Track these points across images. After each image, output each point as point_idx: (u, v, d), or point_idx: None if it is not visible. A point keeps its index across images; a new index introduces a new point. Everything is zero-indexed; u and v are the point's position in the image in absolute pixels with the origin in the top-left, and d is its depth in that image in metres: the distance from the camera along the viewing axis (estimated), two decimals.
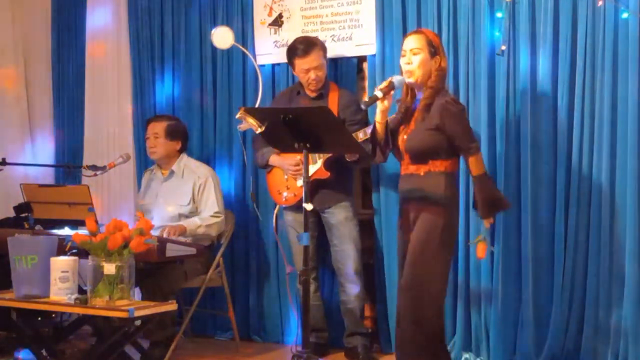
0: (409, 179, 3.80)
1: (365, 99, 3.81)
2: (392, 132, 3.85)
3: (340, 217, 4.58)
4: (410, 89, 3.86)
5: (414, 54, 3.77)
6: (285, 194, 4.63)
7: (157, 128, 4.91)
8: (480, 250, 3.82)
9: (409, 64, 3.78)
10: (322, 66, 4.53)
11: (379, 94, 3.71)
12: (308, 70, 4.51)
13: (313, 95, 4.62)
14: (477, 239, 3.85)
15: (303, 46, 4.52)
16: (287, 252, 4.78)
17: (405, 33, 4.58)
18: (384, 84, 3.76)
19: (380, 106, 3.76)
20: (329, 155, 4.42)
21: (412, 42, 3.80)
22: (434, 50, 3.78)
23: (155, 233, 4.54)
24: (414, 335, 3.68)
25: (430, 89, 3.75)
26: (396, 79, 3.76)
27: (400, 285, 3.78)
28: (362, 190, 5.27)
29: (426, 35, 3.82)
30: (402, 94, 3.90)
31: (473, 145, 3.74)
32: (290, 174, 4.55)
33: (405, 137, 3.81)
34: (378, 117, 3.80)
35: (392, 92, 3.75)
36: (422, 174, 3.75)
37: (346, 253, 4.58)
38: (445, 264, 3.78)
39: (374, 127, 3.85)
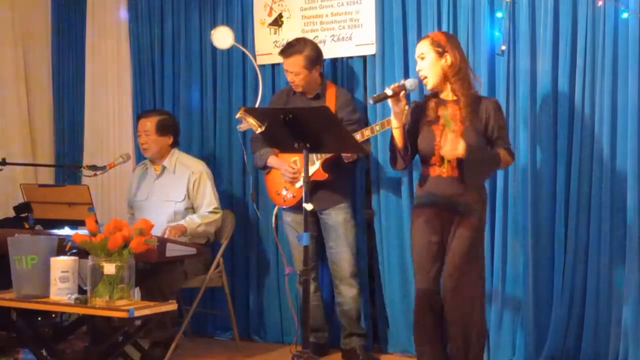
0: (447, 183, 3.72)
1: (375, 95, 3.77)
2: (410, 133, 3.80)
3: (338, 219, 4.57)
4: (435, 95, 3.82)
5: (422, 59, 3.78)
6: (284, 194, 4.62)
7: (147, 125, 4.85)
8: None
9: (420, 70, 3.78)
10: (300, 73, 4.50)
11: (388, 92, 3.65)
12: (287, 72, 4.55)
13: (310, 95, 4.62)
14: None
15: (287, 47, 4.56)
16: (287, 252, 4.78)
17: (405, 33, 4.62)
18: (396, 84, 3.71)
19: (394, 108, 3.68)
20: (327, 156, 4.42)
21: (419, 49, 3.81)
22: (441, 49, 3.74)
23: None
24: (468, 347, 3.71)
25: (465, 96, 3.71)
26: (409, 81, 3.71)
27: (449, 299, 3.71)
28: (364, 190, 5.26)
29: (431, 38, 3.80)
30: (425, 102, 3.85)
31: (509, 144, 3.82)
32: (287, 179, 4.54)
33: (447, 139, 3.69)
34: (394, 122, 3.73)
35: (402, 93, 3.68)
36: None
37: (342, 255, 4.57)
38: (483, 266, 3.86)
39: (392, 135, 3.78)
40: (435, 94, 3.82)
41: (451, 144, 3.60)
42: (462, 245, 3.68)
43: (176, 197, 4.80)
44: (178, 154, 4.93)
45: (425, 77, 3.76)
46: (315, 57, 4.53)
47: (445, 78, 3.75)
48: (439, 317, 3.76)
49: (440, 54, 3.74)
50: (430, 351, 3.79)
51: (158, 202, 4.83)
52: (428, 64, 3.75)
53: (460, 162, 3.67)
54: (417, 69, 3.81)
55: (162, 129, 4.86)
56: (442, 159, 3.70)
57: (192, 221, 4.66)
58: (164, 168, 4.88)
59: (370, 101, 3.80)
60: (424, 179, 3.82)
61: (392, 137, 3.79)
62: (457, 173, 3.70)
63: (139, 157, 5.51)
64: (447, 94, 3.79)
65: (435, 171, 3.75)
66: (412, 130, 3.81)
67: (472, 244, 3.70)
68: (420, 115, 3.83)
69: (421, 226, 3.79)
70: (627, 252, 4.06)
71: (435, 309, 3.76)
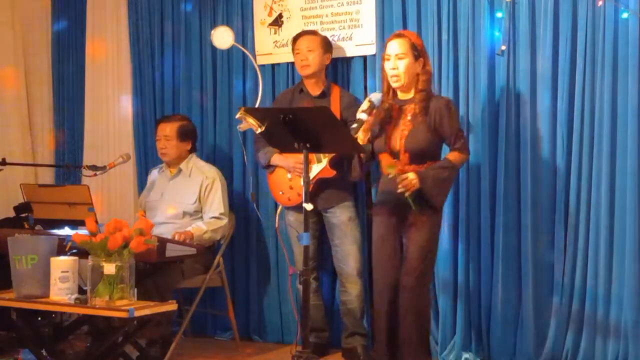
0: (410, 196, 3.83)
1: (353, 126, 3.87)
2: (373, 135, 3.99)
3: (343, 217, 4.58)
4: (393, 91, 3.97)
5: (399, 59, 3.88)
6: (288, 193, 4.62)
7: (168, 129, 4.90)
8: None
9: (394, 69, 3.89)
10: (314, 50, 4.59)
11: (363, 116, 3.83)
12: (298, 52, 4.60)
13: (316, 93, 4.62)
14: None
15: (297, 34, 4.69)
16: (290, 253, 4.78)
17: None
18: (365, 104, 3.88)
19: (364, 125, 3.88)
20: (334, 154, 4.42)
21: (397, 47, 3.90)
22: (417, 53, 3.90)
23: (158, 229, 4.56)
24: (416, 331, 3.92)
25: (423, 92, 3.88)
26: (375, 97, 3.89)
27: (403, 286, 3.91)
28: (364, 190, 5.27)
29: (409, 39, 3.92)
30: (382, 94, 3.98)
31: (462, 141, 3.95)
32: (296, 173, 4.54)
33: (402, 136, 3.85)
34: (361, 137, 3.92)
35: (373, 111, 3.87)
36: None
37: (348, 253, 4.58)
38: (435, 260, 4.11)
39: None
40: (393, 93, 3.97)
41: (404, 182, 3.77)
42: (417, 243, 3.88)
43: (188, 200, 4.84)
44: (195, 159, 4.98)
45: (398, 77, 3.88)
46: (328, 43, 4.68)
47: (414, 80, 3.91)
48: (395, 308, 3.95)
49: (416, 58, 3.90)
50: (383, 339, 3.99)
51: (170, 202, 4.86)
52: (405, 66, 3.89)
53: (419, 191, 3.83)
54: (390, 66, 3.91)
55: (183, 135, 4.91)
56: (393, 156, 3.89)
57: (199, 228, 4.69)
58: (179, 170, 4.93)
59: (352, 133, 3.84)
60: (381, 178, 4.03)
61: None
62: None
63: (139, 158, 5.52)
64: (405, 94, 3.95)
65: (386, 170, 3.91)
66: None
67: (427, 240, 3.91)
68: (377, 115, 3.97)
69: (378, 224, 4.01)
70: (627, 253, 4.06)
71: (395, 301, 3.94)
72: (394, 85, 3.92)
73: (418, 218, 3.88)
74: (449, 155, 3.97)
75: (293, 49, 4.67)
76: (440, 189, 3.88)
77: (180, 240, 4.48)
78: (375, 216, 4.07)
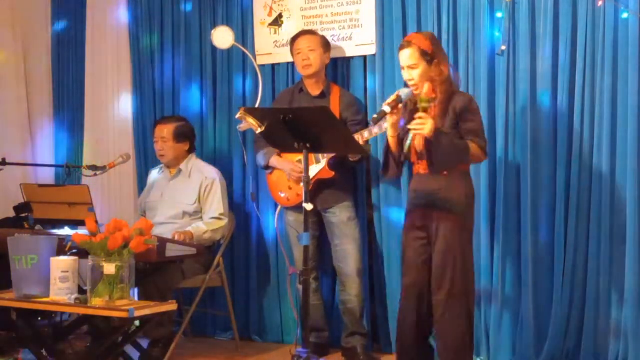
0: (428, 180, 3.75)
1: (374, 115, 3.75)
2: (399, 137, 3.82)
3: (342, 217, 4.58)
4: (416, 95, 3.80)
5: (412, 69, 3.75)
6: (287, 194, 4.62)
7: (165, 131, 4.91)
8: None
9: (411, 79, 3.76)
10: (315, 49, 4.58)
11: (387, 109, 3.65)
12: (299, 52, 4.58)
13: (316, 93, 4.62)
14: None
15: (297, 34, 4.67)
16: (289, 253, 4.78)
17: (405, 33, 4.60)
18: (392, 98, 3.70)
19: (389, 120, 3.71)
20: (333, 154, 4.42)
21: (407, 59, 3.75)
22: (429, 58, 3.73)
23: (158, 230, 4.55)
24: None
25: (443, 94, 3.72)
26: (403, 92, 3.71)
27: (437, 301, 3.72)
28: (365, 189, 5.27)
29: (417, 47, 3.74)
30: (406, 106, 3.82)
31: (484, 144, 3.74)
32: (293, 178, 4.54)
33: (423, 137, 3.72)
34: (390, 132, 3.76)
35: (399, 106, 3.69)
36: (445, 173, 3.71)
37: (347, 253, 4.58)
38: (472, 268, 3.80)
39: (387, 142, 3.82)
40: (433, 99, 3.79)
41: (419, 122, 3.56)
42: (440, 249, 3.69)
43: (188, 201, 4.84)
44: (195, 160, 4.99)
45: (416, 86, 3.73)
46: (328, 42, 4.68)
47: (433, 82, 3.75)
48: (426, 315, 3.77)
49: (429, 62, 3.74)
50: (413, 349, 3.80)
51: (170, 202, 4.87)
52: (419, 75, 3.73)
53: (428, 151, 3.68)
54: (406, 78, 3.78)
55: (179, 136, 4.91)
56: (418, 154, 3.74)
57: (199, 228, 4.69)
58: (179, 171, 4.94)
59: (372, 123, 3.79)
60: (412, 178, 3.89)
61: (387, 145, 3.83)
62: (428, 167, 3.71)
63: (139, 158, 5.52)
64: (430, 93, 3.77)
65: (417, 168, 3.81)
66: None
67: (453, 241, 3.68)
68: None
69: (408, 225, 3.87)
70: (627, 253, 4.06)
71: (422, 306, 3.77)
72: (417, 92, 3.76)
73: (443, 220, 3.70)
74: (470, 142, 3.70)
75: (292, 49, 4.67)
76: (443, 153, 3.64)
77: (180, 240, 4.48)
78: (406, 217, 3.91)
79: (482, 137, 3.74)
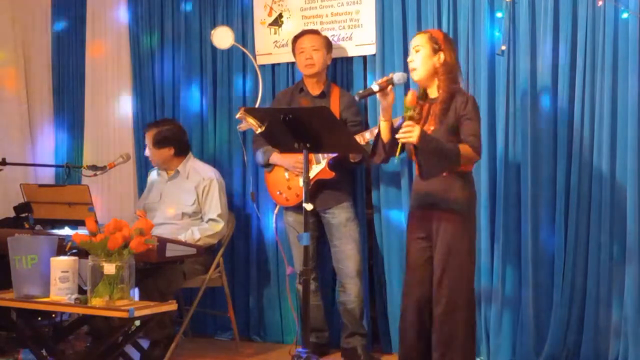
0: (428, 180, 3.73)
1: (360, 91, 3.79)
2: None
3: (341, 218, 4.58)
4: (424, 89, 3.81)
5: (416, 51, 3.75)
6: (286, 194, 4.62)
7: (147, 138, 4.94)
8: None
9: (411, 61, 3.77)
10: (319, 49, 4.57)
11: (375, 87, 3.65)
12: (302, 51, 4.57)
13: (316, 93, 4.62)
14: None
15: (301, 31, 4.66)
16: (287, 253, 4.78)
17: (405, 33, 4.61)
18: (383, 78, 3.70)
19: (382, 103, 3.70)
20: (333, 155, 4.42)
21: (416, 40, 3.79)
22: (437, 46, 3.73)
23: (158, 230, 4.55)
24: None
25: (445, 92, 3.69)
26: (396, 75, 3.69)
27: (436, 314, 3.70)
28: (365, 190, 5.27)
29: (430, 33, 3.80)
30: (417, 94, 3.76)
31: (478, 144, 3.68)
32: (296, 172, 4.53)
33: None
34: (381, 116, 3.76)
35: (390, 88, 3.67)
36: (444, 174, 3.68)
37: (347, 253, 4.58)
38: (473, 270, 3.77)
39: (379, 126, 3.81)
40: (424, 95, 3.80)
41: (405, 131, 3.53)
42: (440, 251, 3.67)
43: (186, 201, 4.84)
44: (193, 161, 4.98)
45: (414, 69, 3.75)
46: (330, 43, 4.68)
47: (434, 74, 3.73)
48: (428, 315, 3.75)
49: (435, 51, 3.73)
50: (414, 349, 3.79)
51: (169, 203, 4.87)
52: (421, 57, 3.73)
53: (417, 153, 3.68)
54: (408, 59, 3.80)
55: (159, 142, 4.87)
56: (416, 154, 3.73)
57: (192, 237, 4.68)
58: (177, 172, 4.94)
59: (356, 97, 3.77)
60: (415, 178, 3.89)
61: (379, 130, 3.81)
62: (419, 174, 3.72)
63: (139, 158, 5.52)
64: (433, 91, 3.77)
65: (417, 169, 3.81)
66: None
67: (453, 244, 3.65)
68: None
69: (410, 225, 3.87)
70: (627, 252, 4.06)
71: (424, 317, 3.75)
72: (413, 77, 3.77)
73: (443, 221, 3.68)
74: (461, 145, 3.66)
75: (295, 48, 4.66)
76: (431, 158, 3.63)
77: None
78: (408, 218, 3.93)
79: (478, 138, 3.69)
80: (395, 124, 3.76)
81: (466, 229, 3.71)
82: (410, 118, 3.56)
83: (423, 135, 3.52)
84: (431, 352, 3.75)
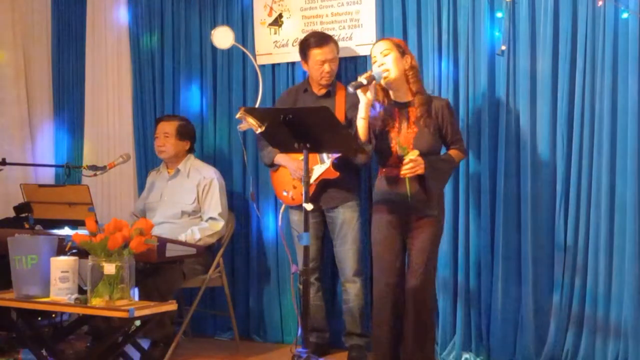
0: (409, 180, 3.83)
1: (353, 82, 3.87)
2: (375, 133, 3.97)
3: (345, 217, 4.58)
4: (384, 90, 3.97)
5: (385, 55, 3.92)
6: (292, 193, 4.61)
7: (168, 127, 4.93)
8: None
9: (383, 64, 3.91)
10: (335, 59, 4.57)
11: (363, 81, 3.83)
12: (323, 62, 4.52)
13: (321, 92, 4.61)
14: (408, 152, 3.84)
15: (319, 38, 4.56)
16: (292, 251, 4.78)
17: (405, 33, 4.61)
18: (366, 73, 3.89)
19: (363, 99, 3.87)
20: (338, 155, 4.42)
21: (380, 46, 3.97)
22: (402, 50, 3.95)
23: (158, 230, 4.55)
24: (421, 335, 3.94)
25: (421, 95, 3.92)
26: (375, 71, 3.89)
27: (408, 289, 3.94)
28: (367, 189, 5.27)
29: (391, 40, 4.02)
30: (376, 95, 3.97)
31: (462, 142, 4.05)
32: (297, 177, 4.53)
33: (407, 140, 3.87)
34: (362, 112, 3.90)
35: (373, 83, 3.87)
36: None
37: (347, 253, 4.58)
38: (436, 264, 4.14)
39: (356, 125, 3.94)
40: (387, 96, 3.98)
41: (413, 164, 3.77)
42: (424, 244, 3.92)
43: (186, 200, 4.86)
44: (193, 160, 5.01)
45: (388, 70, 3.90)
46: (338, 46, 4.67)
47: (404, 76, 3.93)
48: (399, 309, 3.96)
49: (402, 54, 3.94)
50: (386, 338, 3.99)
51: (169, 202, 4.88)
52: (392, 59, 3.91)
53: (421, 176, 3.85)
54: (378, 64, 3.93)
55: (182, 134, 4.95)
56: (399, 159, 3.86)
57: (193, 237, 4.68)
58: (177, 171, 4.95)
59: (350, 89, 3.86)
60: (381, 179, 4.02)
61: (356, 129, 3.93)
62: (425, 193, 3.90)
63: (139, 158, 5.52)
64: (404, 95, 3.96)
65: (392, 172, 3.91)
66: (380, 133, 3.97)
67: (433, 241, 3.95)
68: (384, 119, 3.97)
69: (381, 223, 3.99)
70: (627, 252, 4.06)
71: (398, 303, 3.95)
72: (385, 80, 3.91)
73: (422, 221, 3.91)
74: (450, 151, 4.01)
75: (310, 54, 4.52)
76: (439, 180, 3.92)
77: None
78: (376, 215, 4.06)
79: (461, 139, 4.04)
80: (370, 114, 3.91)
81: (440, 229, 4.03)
82: (407, 154, 3.78)
83: (427, 163, 3.79)
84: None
